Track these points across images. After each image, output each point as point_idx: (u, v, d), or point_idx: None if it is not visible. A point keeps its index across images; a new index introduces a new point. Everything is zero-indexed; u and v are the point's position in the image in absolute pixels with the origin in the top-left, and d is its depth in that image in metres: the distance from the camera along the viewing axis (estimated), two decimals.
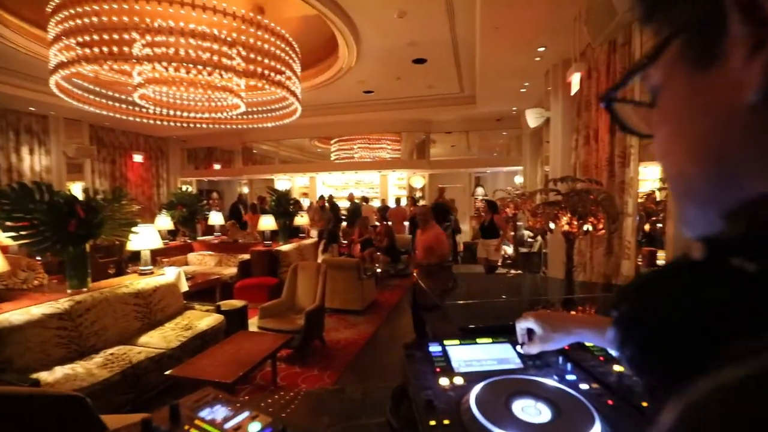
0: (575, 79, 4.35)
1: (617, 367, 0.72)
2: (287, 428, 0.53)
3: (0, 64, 6.43)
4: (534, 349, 0.74)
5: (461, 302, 1.96)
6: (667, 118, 0.28)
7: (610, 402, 0.60)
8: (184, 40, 3.82)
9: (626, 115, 0.34)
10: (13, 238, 2.92)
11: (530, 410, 0.56)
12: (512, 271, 5.27)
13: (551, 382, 0.65)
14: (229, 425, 0.56)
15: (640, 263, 3.24)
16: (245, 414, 0.58)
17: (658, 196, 3.56)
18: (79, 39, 3.81)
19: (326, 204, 9.40)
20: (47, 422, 1.56)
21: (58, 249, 3.05)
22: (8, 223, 2.89)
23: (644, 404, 0.59)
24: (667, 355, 0.23)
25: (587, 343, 0.80)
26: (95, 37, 3.73)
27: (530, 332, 0.78)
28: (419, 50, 6.24)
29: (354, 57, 6.37)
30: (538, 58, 5.36)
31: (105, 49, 3.78)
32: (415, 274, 2.79)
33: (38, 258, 4.42)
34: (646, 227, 3.33)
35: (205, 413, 0.59)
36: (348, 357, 3.92)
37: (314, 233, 8.57)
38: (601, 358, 0.76)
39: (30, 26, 5.44)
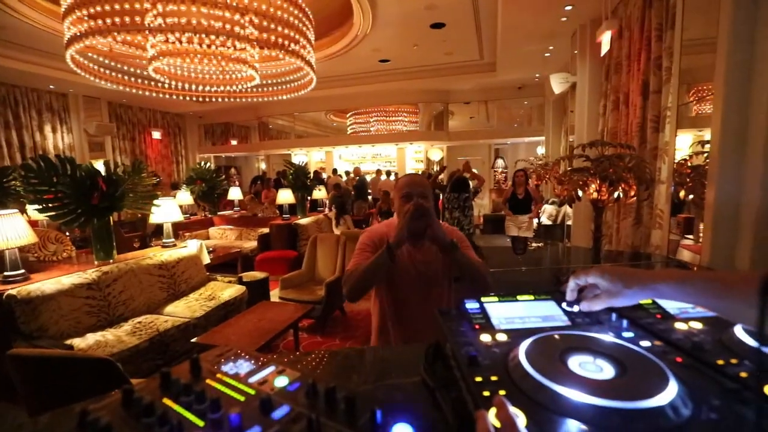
0: (606, 38, 4.08)
1: (679, 324, 0.65)
2: (317, 383, 0.48)
3: (17, 42, 6.46)
4: (598, 306, 0.66)
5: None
6: None
7: (678, 359, 0.53)
8: (195, 8, 3.71)
9: None
10: (39, 210, 2.97)
11: (590, 366, 0.50)
12: (534, 243, 5.15)
13: (609, 337, 0.58)
14: (253, 379, 0.52)
15: (673, 232, 3.09)
16: (271, 368, 0.54)
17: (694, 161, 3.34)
18: (90, 10, 3.76)
19: (343, 187, 9.34)
20: (79, 382, 1.60)
21: (83, 221, 3.09)
22: (34, 196, 2.94)
23: (719, 362, 0.52)
24: None
25: (641, 301, 0.73)
26: (106, 7, 3.67)
27: (580, 291, 0.71)
28: (437, 14, 5.96)
29: (369, 23, 6.14)
30: (564, 18, 5.05)
31: (117, 20, 3.72)
32: None
33: (67, 233, 4.55)
34: (681, 194, 3.15)
35: (227, 367, 0.55)
36: (369, 327, 3.94)
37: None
38: (659, 316, 0.69)
39: (44, 1, 5.41)
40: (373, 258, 1.44)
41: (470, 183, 5.02)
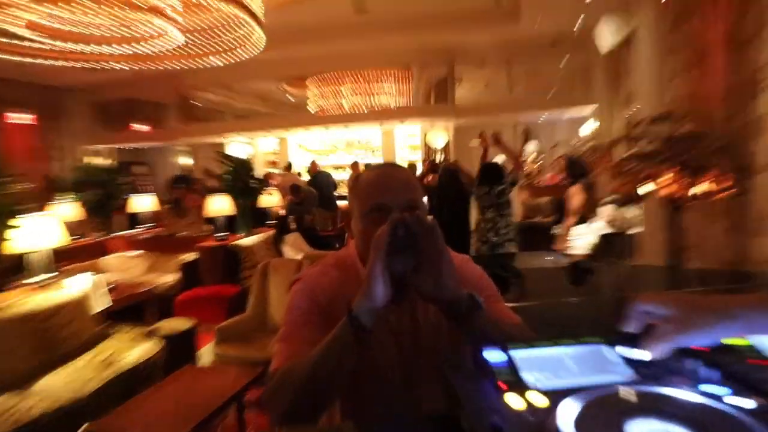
0: None
1: None
2: None
3: None
4: (664, 347, 0.67)
5: (518, 304, 1.92)
6: None
7: None
8: None
9: None
10: None
11: None
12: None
13: (686, 394, 0.61)
14: None
15: None
16: None
17: None
18: None
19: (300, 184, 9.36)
20: None
21: None
22: None
23: None
24: None
25: (731, 342, 0.76)
26: None
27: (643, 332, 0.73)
28: None
29: None
30: None
31: None
32: None
33: None
34: None
35: None
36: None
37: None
38: (757, 362, 0.71)
39: None
40: (324, 343, 1.00)
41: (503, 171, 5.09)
